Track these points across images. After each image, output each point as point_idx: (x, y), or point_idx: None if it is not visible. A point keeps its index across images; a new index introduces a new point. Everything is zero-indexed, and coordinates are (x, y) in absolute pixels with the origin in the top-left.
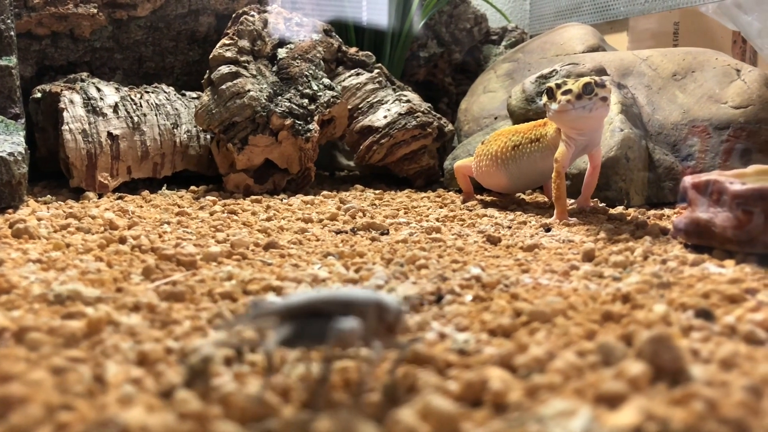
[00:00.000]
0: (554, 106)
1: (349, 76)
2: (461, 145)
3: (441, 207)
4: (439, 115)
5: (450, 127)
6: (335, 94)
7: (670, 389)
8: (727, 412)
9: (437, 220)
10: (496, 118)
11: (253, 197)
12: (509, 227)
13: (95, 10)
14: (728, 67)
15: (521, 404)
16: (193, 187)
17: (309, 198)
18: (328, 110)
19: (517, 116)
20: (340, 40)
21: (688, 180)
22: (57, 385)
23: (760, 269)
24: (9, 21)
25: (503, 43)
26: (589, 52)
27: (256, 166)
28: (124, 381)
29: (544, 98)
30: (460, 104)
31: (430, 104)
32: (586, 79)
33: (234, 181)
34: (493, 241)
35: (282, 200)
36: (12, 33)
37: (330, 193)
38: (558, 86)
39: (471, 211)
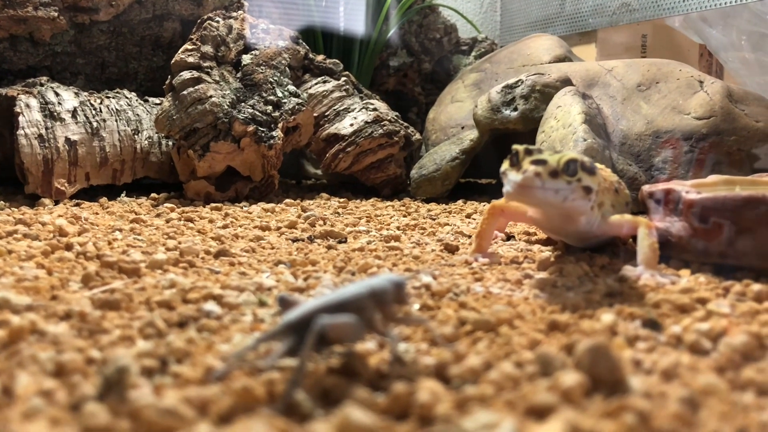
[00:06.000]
0: (514, 176)
1: (316, 84)
2: (428, 154)
3: (404, 216)
4: (406, 124)
5: (417, 136)
6: (300, 101)
7: (605, 401)
8: (660, 424)
9: (398, 228)
10: (463, 128)
11: (213, 205)
12: (470, 236)
13: (56, 14)
14: (691, 79)
15: (449, 417)
16: (153, 195)
17: (270, 206)
18: (292, 117)
19: (483, 125)
20: (307, 47)
21: (645, 189)
22: None
23: (713, 279)
24: None
25: (473, 53)
26: (555, 62)
27: (218, 173)
28: (33, 393)
29: (505, 164)
30: (428, 113)
31: (397, 113)
32: (572, 154)
33: (194, 189)
34: (451, 249)
35: (242, 208)
36: None
37: (293, 201)
38: (528, 151)
39: (434, 219)
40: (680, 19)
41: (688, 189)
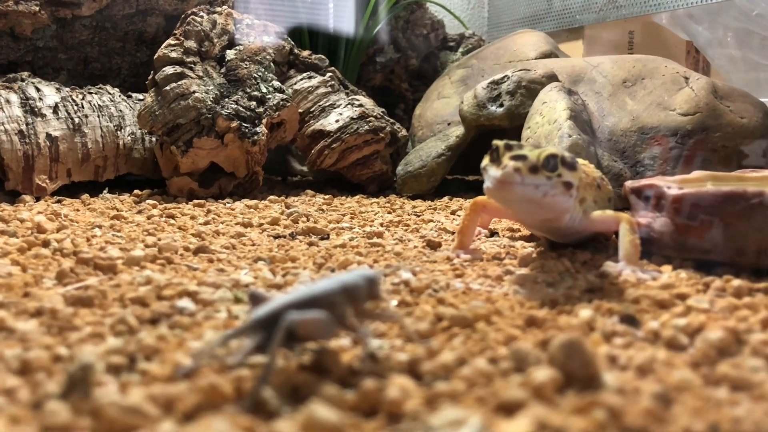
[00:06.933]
0: (495, 172)
1: (301, 80)
2: (414, 151)
3: (389, 212)
4: (392, 120)
5: (403, 132)
6: (285, 97)
7: (576, 397)
8: (631, 420)
9: (381, 225)
10: (449, 124)
11: (196, 201)
12: (453, 232)
13: (37, 8)
14: (677, 75)
15: (418, 413)
16: (136, 191)
17: (253, 202)
18: (277, 113)
19: (469, 122)
20: (292, 42)
21: (628, 185)
22: None
23: (694, 275)
24: None
25: (460, 49)
26: (541, 58)
27: (201, 169)
28: None
29: (485, 160)
30: (415, 110)
31: (383, 109)
32: (552, 149)
33: (177, 185)
34: (433, 246)
35: (225, 204)
36: None
37: (278, 197)
38: (508, 147)
39: (418, 216)
40: (667, 15)
41: (670, 185)
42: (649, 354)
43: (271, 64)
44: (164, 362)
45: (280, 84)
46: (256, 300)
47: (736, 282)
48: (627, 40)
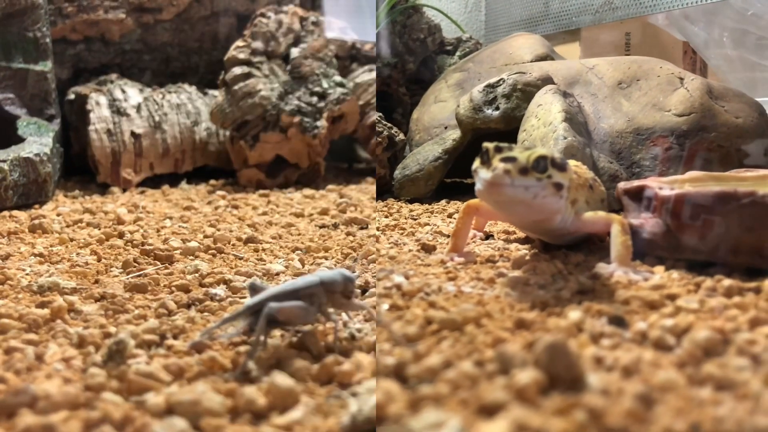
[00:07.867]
0: (485, 174)
1: (362, 73)
2: (411, 155)
3: (386, 216)
4: (389, 125)
5: (401, 136)
6: (345, 91)
7: (560, 398)
8: (612, 421)
9: (378, 229)
10: (446, 128)
11: (261, 192)
12: (449, 235)
13: (124, 16)
14: (672, 76)
15: (401, 416)
16: (212, 181)
17: (311, 192)
18: (337, 107)
19: (465, 125)
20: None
21: (621, 186)
22: (2, 363)
23: (687, 275)
24: (45, 29)
25: (458, 53)
26: (537, 61)
27: (268, 161)
28: (57, 360)
29: (476, 163)
30: (412, 114)
31: (381, 113)
32: (542, 150)
33: (246, 176)
34: (428, 249)
35: (286, 194)
36: (47, 40)
37: (336, 186)
38: (498, 149)
39: (415, 219)
40: (663, 17)
41: (662, 186)
42: (635, 355)
43: (333, 59)
44: (186, 340)
45: (341, 78)
46: (254, 290)
47: (727, 282)
48: (624, 41)
